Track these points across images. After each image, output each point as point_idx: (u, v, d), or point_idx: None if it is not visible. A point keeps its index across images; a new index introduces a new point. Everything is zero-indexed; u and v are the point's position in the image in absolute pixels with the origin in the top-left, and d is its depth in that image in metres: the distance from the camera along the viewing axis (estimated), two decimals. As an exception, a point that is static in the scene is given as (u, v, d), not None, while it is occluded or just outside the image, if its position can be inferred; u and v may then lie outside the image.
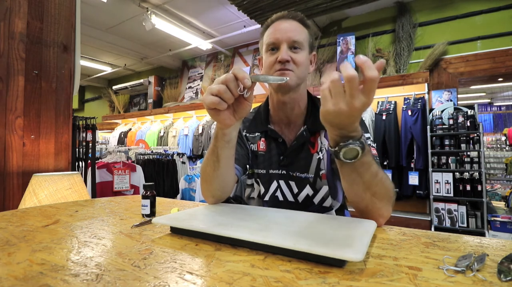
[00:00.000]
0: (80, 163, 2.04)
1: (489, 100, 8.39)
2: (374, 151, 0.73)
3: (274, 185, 0.86)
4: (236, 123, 0.63)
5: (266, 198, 0.87)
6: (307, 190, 0.82)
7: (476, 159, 2.54)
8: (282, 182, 0.85)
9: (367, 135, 0.76)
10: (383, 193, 0.60)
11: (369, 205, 0.61)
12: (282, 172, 0.84)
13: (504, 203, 3.35)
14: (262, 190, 0.88)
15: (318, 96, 0.63)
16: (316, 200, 0.82)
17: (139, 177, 2.63)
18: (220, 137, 0.66)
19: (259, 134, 0.90)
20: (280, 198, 0.85)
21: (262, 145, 0.89)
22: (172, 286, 0.33)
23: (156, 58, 5.02)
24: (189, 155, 4.18)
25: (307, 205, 0.83)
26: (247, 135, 0.92)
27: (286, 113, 0.85)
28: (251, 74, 0.56)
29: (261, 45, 0.86)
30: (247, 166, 0.90)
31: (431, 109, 2.85)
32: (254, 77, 0.57)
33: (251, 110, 0.96)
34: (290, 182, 0.84)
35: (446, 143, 2.65)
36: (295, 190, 0.83)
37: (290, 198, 0.84)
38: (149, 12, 3.33)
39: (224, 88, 0.55)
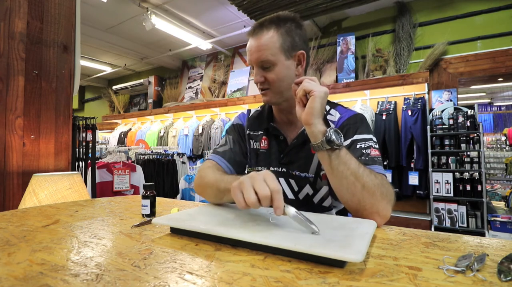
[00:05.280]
0: (80, 163, 2.04)
1: (489, 100, 8.39)
2: (377, 152, 0.73)
3: None
4: None
5: None
6: (307, 189, 0.82)
7: (476, 159, 2.54)
8: (282, 180, 0.85)
9: (369, 136, 0.75)
10: (373, 186, 0.61)
11: (361, 200, 0.62)
12: (282, 170, 0.85)
13: (504, 203, 3.35)
14: None
15: None
16: (316, 199, 0.82)
17: (139, 177, 2.63)
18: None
19: (262, 132, 0.91)
20: None
21: (264, 143, 0.90)
22: (172, 286, 0.33)
23: (156, 58, 5.02)
24: (189, 155, 4.18)
25: (307, 203, 0.83)
26: (251, 133, 0.93)
27: (287, 114, 0.87)
28: (286, 207, 0.51)
29: None
30: (246, 165, 0.91)
31: (431, 109, 2.84)
32: (288, 212, 0.52)
33: (257, 108, 0.98)
34: (290, 180, 0.84)
35: (446, 143, 2.64)
36: (295, 188, 0.84)
37: (290, 195, 0.85)
38: (149, 12, 3.33)
39: (256, 203, 0.52)
